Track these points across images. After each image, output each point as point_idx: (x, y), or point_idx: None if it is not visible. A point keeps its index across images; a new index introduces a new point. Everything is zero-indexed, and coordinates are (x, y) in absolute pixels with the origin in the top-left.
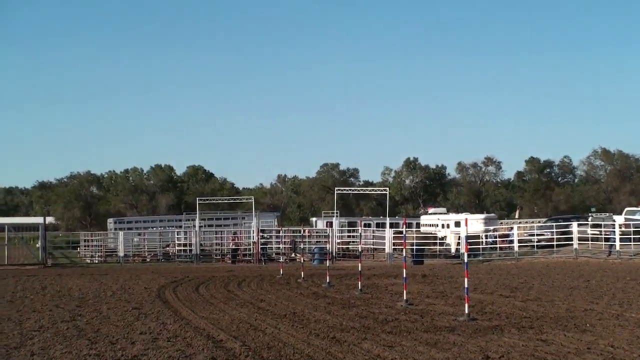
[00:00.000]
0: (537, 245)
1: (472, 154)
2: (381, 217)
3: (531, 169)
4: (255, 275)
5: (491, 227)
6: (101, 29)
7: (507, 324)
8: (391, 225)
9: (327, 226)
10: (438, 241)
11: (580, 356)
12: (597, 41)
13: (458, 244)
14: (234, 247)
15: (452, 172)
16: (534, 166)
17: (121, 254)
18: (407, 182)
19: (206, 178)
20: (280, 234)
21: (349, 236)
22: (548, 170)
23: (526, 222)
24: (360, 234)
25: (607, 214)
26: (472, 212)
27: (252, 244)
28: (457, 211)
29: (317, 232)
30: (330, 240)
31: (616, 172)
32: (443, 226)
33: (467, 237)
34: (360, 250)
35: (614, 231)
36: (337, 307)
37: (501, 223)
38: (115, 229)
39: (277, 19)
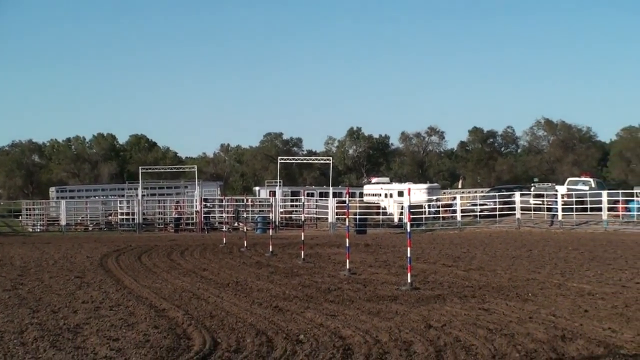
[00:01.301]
0: (479, 215)
1: (416, 123)
2: (324, 186)
3: (474, 139)
4: (198, 244)
5: (434, 197)
6: None
7: (449, 293)
8: (334, 195)
9: (270, 195)
10: (381, 211)
11: (522, 325)
12: (540, 8)
13: (401, 213)
14: (176, 216)
15: (395, 142)
16: (477, 136)
17: (63, 222)
18: (351, 151)
19: (149, 147)
20: (223, 203)
21: (292, 205)
22: (491, 140)
23: (469, 192)
24: (304, 203)
25: (550, 184)
26: (415, 182)
27: (194, 213)
28: (400, 181)
29: (260, 202)
30: (273, 209)
31: (559, 143)
32: (386, 196)
33: (410, 207)
34: (303, 219)
35: (557, 201)
36: (280, 276)
37: (444, 193)
38: (58, 197)
39: None
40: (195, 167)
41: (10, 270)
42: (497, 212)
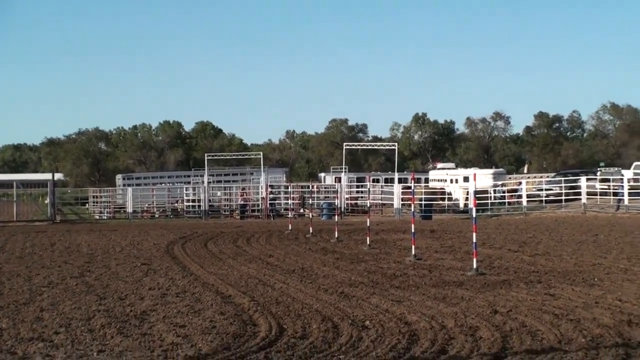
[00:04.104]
0: (545, 200)
1: (481, 109)
2: (390, 172)
3: (540, 123)
4: (264, 230)
5: (499, 182)
6: None
7: (515, 279)
8: (400, 181)
9: (335, 181)
10: (446, 196)
11: (588, 310)
12: None
13: (466, 199)
14: (242, 202)
15: (460, 127)
16: (543, 121)
17: (130, 210)
18: (416, 137)
19: (215, 134)
20: (289, 190)
21: (357, 191)
22: (557, 124)
23: (535, 177)
24: (369, 189)
25: (616, 169)
26: (480, 167)
27: (260, 199)
28: (466, 166)
29: (325, 188)
30: (338, 195)
31: (625, 127)
32: (451, 181)
33: (476, 192)
34: (368, 205)
35: (623, 186)
36: (345, 262)
37: (510, 178)
38: (124, 185)
39: None
40: (261, 153)
41: (78, 258)
42: (563, 197)
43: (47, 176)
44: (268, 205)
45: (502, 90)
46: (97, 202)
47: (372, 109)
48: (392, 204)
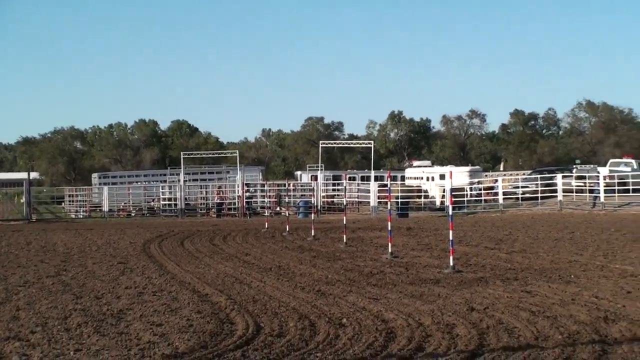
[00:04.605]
0: (521, 197)
1: (457, 106)
2: (366, 170)
3: (516, 121)
4: (241, 229)
5: (476, 180)
6: None
7: (491, 276)
8: (376, 179)
9: (312, 180)
10: (423, 194)
11: (564, 307)
12: None
13: (443, 196)
14: (218, 201)
15: (436, 125)
16: (519, 118)
17: (106, 208)
18: (392, 135)
19: (190, 132)
20: (265, 188)
21: (333, 190)
22: (532, 122)
23: (511, 175)
24: (345, 187)
25: (592, 166)
26: (456, 165)
27: (237, 197)
28: (442, 164)
29: (302, 186)
30: (315, 193)
31: (600, 124)
32: (428, 179)
33: (452, 190)
34: (345, 203)
35: (599, 183)
36: (322, 260)
37: (486, 175)
38: (100, 183)
39: None
40: (237, 152)
41: (54, 257)
42: (539, 195)
43: (22, 175)
44: (244, 204)
45: (478, 88)
46: (73, 201)
47: (348, 107)
48: (369, 202)
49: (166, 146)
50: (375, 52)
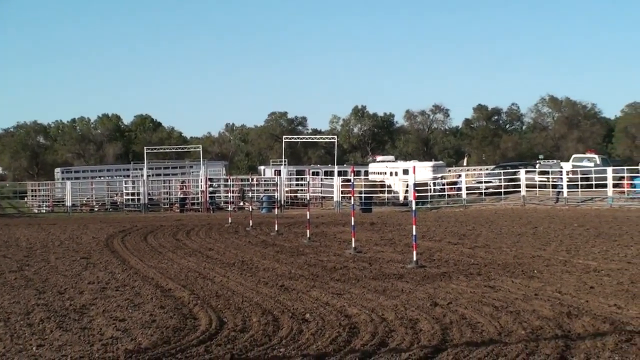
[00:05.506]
0: (485, 192)
1: (420, 101)
2: (329, 165)
3: (479, 116)
4: (204, 224)
5: (439, 175)
6: None
7: (455, 271)
8: (339, 174)
9: (275, 175)
10: (386, 189)
11: (527, 302)
12: None
13: (406, 191)
14: (182, 196)
15: (400, 120)
16: (482, 114)
17: (69, 203)
18: (356, 130)
19: (154, 127)
20: (229, 183)
21: (297, 184)
22: (496, 117)
23: (474, 170)
24: (309, 182)
25: (555, 161)
26: (420, 160)
27: (200, 192)
28: (405, 159)
29: (265, 181)
30: (278, 188)
31: (564, 119)
32: (391, 174)
33: (415, 185)
34: (308, 198)
35: (562, 178)
36: (285, 255)
37: (449, 170)
38: (63, 178)
39: None
40: (200, 147)
41: (16, 252)
42: (502, 190)
43: None
44: (208, 199)
45: (441, 83)
46: (35, 196)
47: (312, 102)
48: (332, 197)
49: (129, 141)
50: (339, 46)
